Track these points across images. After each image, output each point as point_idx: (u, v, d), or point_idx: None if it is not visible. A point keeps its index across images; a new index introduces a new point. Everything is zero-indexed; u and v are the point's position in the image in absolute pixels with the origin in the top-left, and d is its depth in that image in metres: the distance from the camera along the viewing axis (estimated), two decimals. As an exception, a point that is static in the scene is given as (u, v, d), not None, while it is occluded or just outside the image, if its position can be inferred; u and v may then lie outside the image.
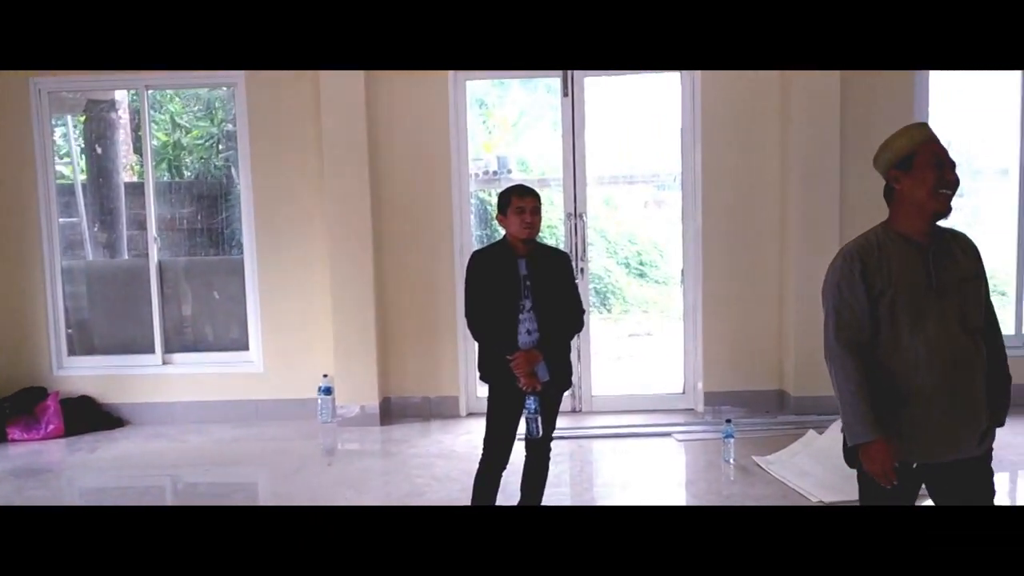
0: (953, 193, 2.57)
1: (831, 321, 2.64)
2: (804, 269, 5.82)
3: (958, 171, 2.63)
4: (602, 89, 6.44)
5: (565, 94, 6.08)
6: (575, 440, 5.62)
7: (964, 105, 6.09)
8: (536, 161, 8.83)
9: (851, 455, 2.69)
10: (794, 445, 5.08)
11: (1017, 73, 5.88)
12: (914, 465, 2.61)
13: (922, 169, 2.55)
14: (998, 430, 2.69)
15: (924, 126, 2.66)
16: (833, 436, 4.95)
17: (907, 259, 2.58)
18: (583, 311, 3.80)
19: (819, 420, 5.48)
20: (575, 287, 3.77)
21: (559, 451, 5.24)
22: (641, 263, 10.17)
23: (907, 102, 5.88)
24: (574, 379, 5.92)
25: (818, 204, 5.80)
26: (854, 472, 4.65)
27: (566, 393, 3.92)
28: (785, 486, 4.64)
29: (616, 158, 7.52)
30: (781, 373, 6.09)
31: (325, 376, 6.12)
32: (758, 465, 4.97)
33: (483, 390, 3.87)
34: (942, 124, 5.85)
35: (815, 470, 4.72)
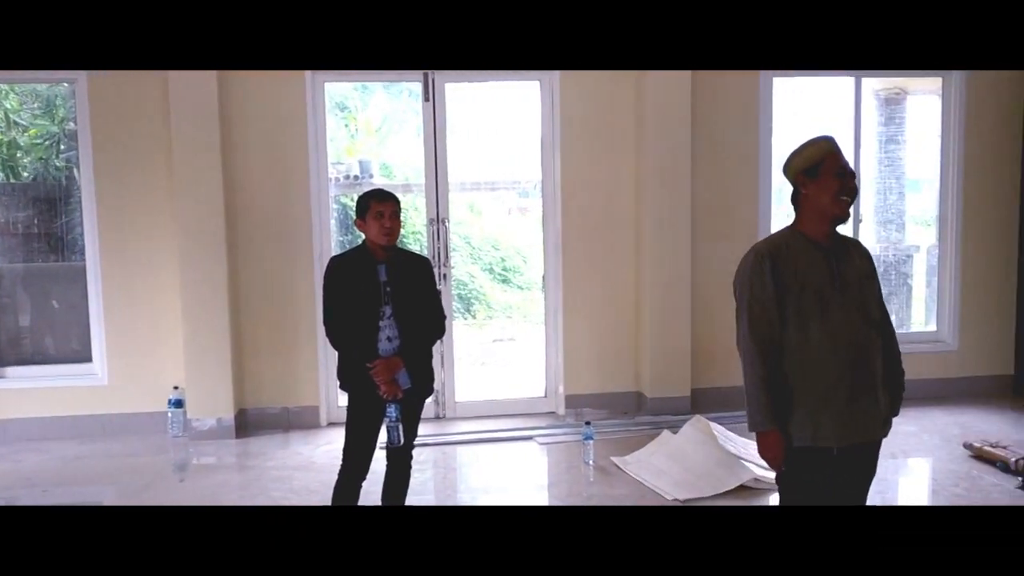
0: (852, 201, 2.81)
1: (744, 316, 2.82)
2: (658, 273, 6.03)
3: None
4: (464, 95, 6.46)
5: (426, 99, 6.05)
6: (438, 447, 5.59)
7: (802, 110, 6.45)
8: (400, 166, 8.75)
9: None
10: (650, 445, 5.23)
11: (850, 79, 6.28)
12: (834, 452, 2.79)
13: (827, 177, 2.77)
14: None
15: (830, 139, 2.87)
16: (686, 436, 5.14)
17: (812, 258, 2.79)
18: (444, 317, 3.78)
19: (674, 420, 5.67)
20: (437, 293, 3.75)
21: (422, 458, 5.22)
22: (505, 269, 10.26)
23: (752, 107, 6.17)
24: (437, 385, 5.92)
25: (671, 208, 6.00)
26: (708, 470, 4.84)
27: (429, 400, 3.90)
28: (642, 485, 4.77)
29: (479, 164, 7.55)
30: (638, 375, 6.26)
31: (176, 388, 5.84)
32: (616, 465, 5.09)
33: (344, 399, 3.79)
34: (783, 128, 6.21)
35: (670, 469, 4.88)
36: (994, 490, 4.64)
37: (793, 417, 2.79)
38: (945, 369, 6.46)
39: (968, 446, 5.21)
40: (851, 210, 2.87)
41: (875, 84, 6.47)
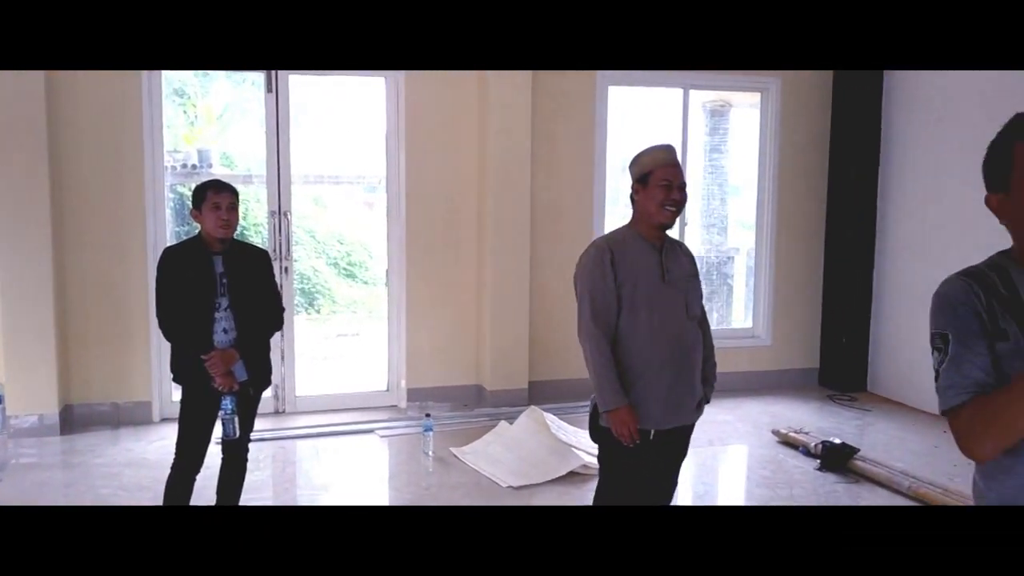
0: (677, 211, 3.06)
1: (586, 305, 3.04)
2: (499, 270, 6.22)
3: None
4: (308, 86, 6.42)
5: (269, 90, 5.99)
6: (277, 442, 5.56)
7: (637, 118, 6.82)
8: (241, 156, 8.55)
9: (596, 432, 3.11)
10: (488, 435, 5.41)
11: (679, 91, 6.69)
12: (651, 435, 3.04)
13: (655, 187, 3.02)
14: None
15: (669, 150, 3.10)
16: (522, 426, 5.36)
17: (645, 256, 3.05)
18: (283, 310, 3.80)
19: (512, 412, 5.87)
20: (275, 285, 3.76)
21: (262, 454, 5.18)
22: (350, 263, 10.21)
23: (589, 112, 6.46)
24: (277, 380, 5.89)
25: (511, 206, 6.21)
26: (541, 458, 5.04)
27: (270, 395, 3.90)
28: (479, 474, 4.94)
29: (323, 157, 7.50)
30: (478, 369, 6.44)
31: (-7, 384, 5.53)
32: (455, 456, 5.24)
33: (178, 393, 3.74)
34: (620, 134, 6.54)
35: (506, 458, 5.07)
36: (796, 471, 5.10)
37: None
38: (759, 362, 7.01)
39: (776, 432, 5.69)
40: (681, 214, 3.15)
41: (702, 96, 6.91)
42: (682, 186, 3.09)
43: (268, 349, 3.76)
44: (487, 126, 6.17)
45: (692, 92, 6.75)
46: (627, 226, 3.16)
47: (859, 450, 5.10)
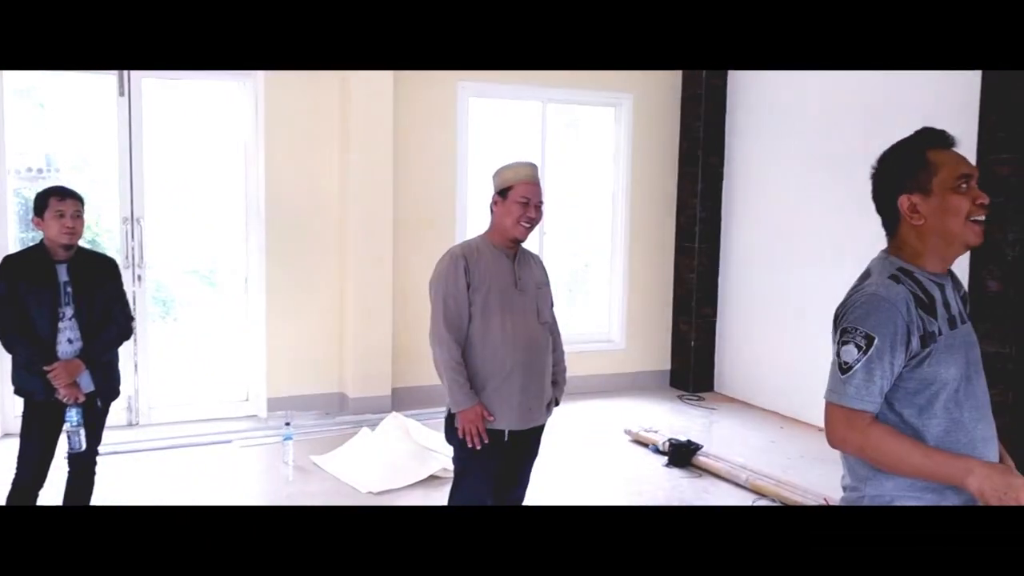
0: (532, 227, 3.21)
1: (439, 310, 3.16)
2: (362, 278, 6.26)
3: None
4: (163, 91, 6.26)
5: (121, 94, 5.83)
6: (129, 455, 5.40)
7: (499, 129, 6.99)
8: (92, 160, 8.24)
9: (451, 434, 3.21)
10: (349, 442, 5.44)
11: (539, 103, 6.92)
12: (505, 436, 3.19)
13: (513, 202, 3.16)
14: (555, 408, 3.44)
15: (532, 167, 3.25)
16: (383, 432, 5.42)
17: (499, 264, 3.19)
18: (132, 319, 3.73)
19: (374, 418, 5.92)
20: (123, 294, 3.69)
21: (112, 467, 5.02)
22: (210, 271, 9.95)
23: (451, 120, 6.60)
24: (130, 391, 5.73)
25: (373, 212, 6.26)
26: (402, 463, 5.11)
27: (122, 406, 3.82)
28: (339, 481, 4.97)
29: (179, 162, 7.32)
30: (341, 376, 6.45)
31: None
32: (316, 464, 5.24)
33: (20, 406, 3.62)
34: (477, 139, 6.69)
35: (367, 464, 5.12)
36: (645, 467, 5.38)
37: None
38: (615, 366, 7.31)
39: (628, 432, 5.97)
40: (539, 225, 3.31)
41: (560, 109, 7.15)
42: (539, 204, 3.23)
43: (117, 359, 3.68)
44: (349, 133, 6.20)
45: (550, 105, 7.00)
46: (482, 235, 3.30)
47: (702, 446, 5.42)
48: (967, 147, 4.95)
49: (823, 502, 4.56)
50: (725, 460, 5.30)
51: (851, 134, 6.02)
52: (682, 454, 5.37)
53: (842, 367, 1.88)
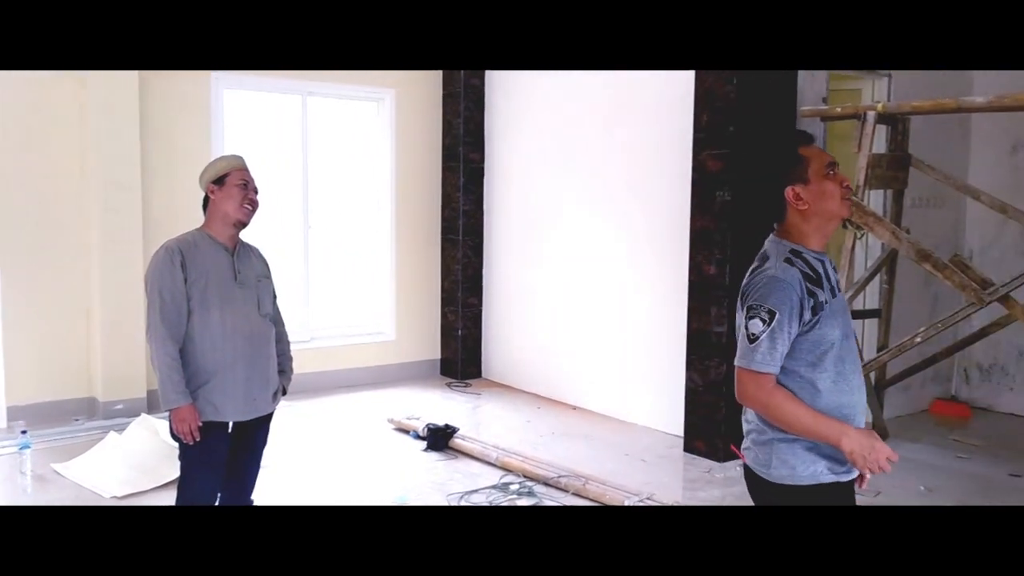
0: (253, 210, 3.28)
1: (155, 305, 3.12)
2: (110, 278, 6.00)
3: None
4: None
5: None
6: None
7: (254, 121, 6.90)
8: None
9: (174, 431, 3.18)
10: (95, 447, 5.22)
11: (299, 97, 6.90)
12: (229, 428, 3.22)
13: (232, 186, 3.22)
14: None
15: (242, 158, 3.32)
16: (131, 435, 5.25)
17: (216, 257, 3.19)
18: None
19: (124, 422, 5.70)
20: None
21: None
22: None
23: (205, 114, 6.45)
24: None
25: (120, 212, 6.02)
26: (151, 465, 4.99)
27: None
28: (81, 488, 4.77)
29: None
30: (91, 381, 6.15)
31: None
32: (57, 472, 5.00)
33: None
34: (235, 133, 6.59)
35: (113, 468, 4.94)
36: (404, 452, 5.53)
37: (197, 395, 3.17)
38: (385, 357, 7.42)
39: (391, 420, 6.11)
40: (253, 215, 3.34)
41: (321, 102, 7.15)
42: (257, 190, 3.31)
43: None
44: (89, 130, 5.92)
45: (310, 99, 6.99)
46: (199, 229, 3.30)
47: (458, 429, 5.65)
48: (685, 143, 5.49)
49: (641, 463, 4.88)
50: (479, 441, 5.56)
51: (590, 132, 6.46)
52: (439, 438, 5.57)
53: (750, 337, 2.21)
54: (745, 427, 2.40)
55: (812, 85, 5.61)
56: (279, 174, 6.95)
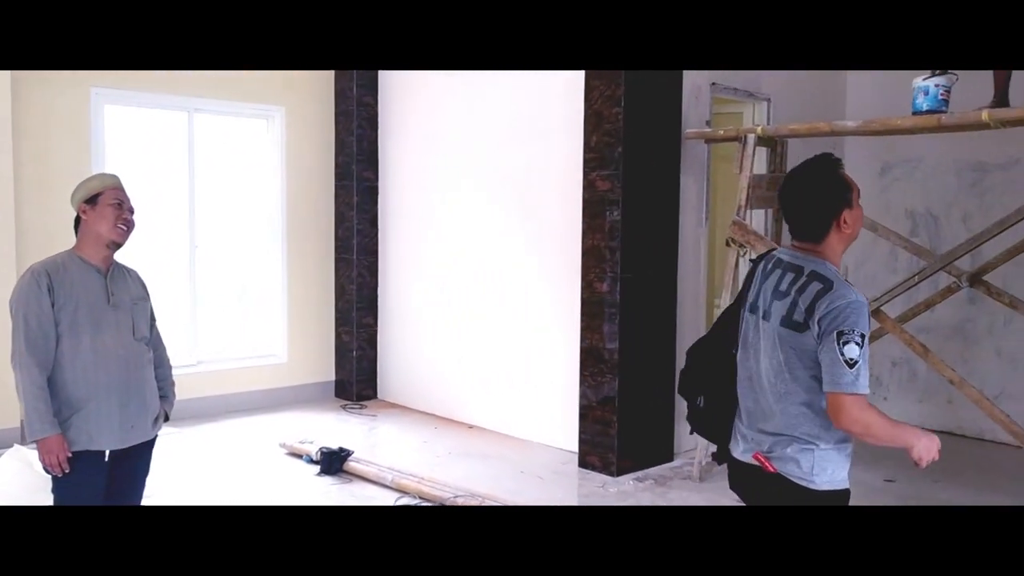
0: (128, 230, 3.14)
1: (20, 331, 2.95)
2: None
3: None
4: None
5: None
6: None
7: (138, 139, 6.68)
8: None
9: None
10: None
11: (185, 114, 6.71)
12: (106, 456, 3.08)
13: (105, 206, 3.07)
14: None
15: (116, 177, 3.18)
16: (2, 467, 4.96)
17: (88, 279, 3.05)
18: None
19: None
20: None
21: None
22: None
23: (84, 130, 6.20)
24: None
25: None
26: (21, 498, 4.71)
27: None
28: (-56, 526, 4.47)
29: None
30: (-43, 411, 5.80)
31: None
32: (-83, 510, 4.67)
33: None
34: (117, 154, 6.36)
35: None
36: (297, 478, 5.41)
37: (70, 423, 3.01)
38: (278, 380, 7.26)
39: (283, 445, 5.97)
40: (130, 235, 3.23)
41: (208, 119, 6.97)
42: (132, 209, 3.19)
43: None
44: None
45: (196, 115, 6.81)
46: (69, 251, 3.15)
47: (353, 452, 5.57)
48: (577, 163, 5.59)
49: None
50: (375, 463, 5.48)
51: (486, 151, 6.51)
52: (333, 461, 5.47)
53: (849, 363, 2.25)
54: (767, 440, 2.45)
55: (696, 108, 5.82)
56: (164, 193, 6.73)
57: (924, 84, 4.59)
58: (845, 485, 2.41)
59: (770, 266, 2.52)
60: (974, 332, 6.38)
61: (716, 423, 2.65)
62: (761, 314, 2.48)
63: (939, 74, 4.56)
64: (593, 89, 5.40)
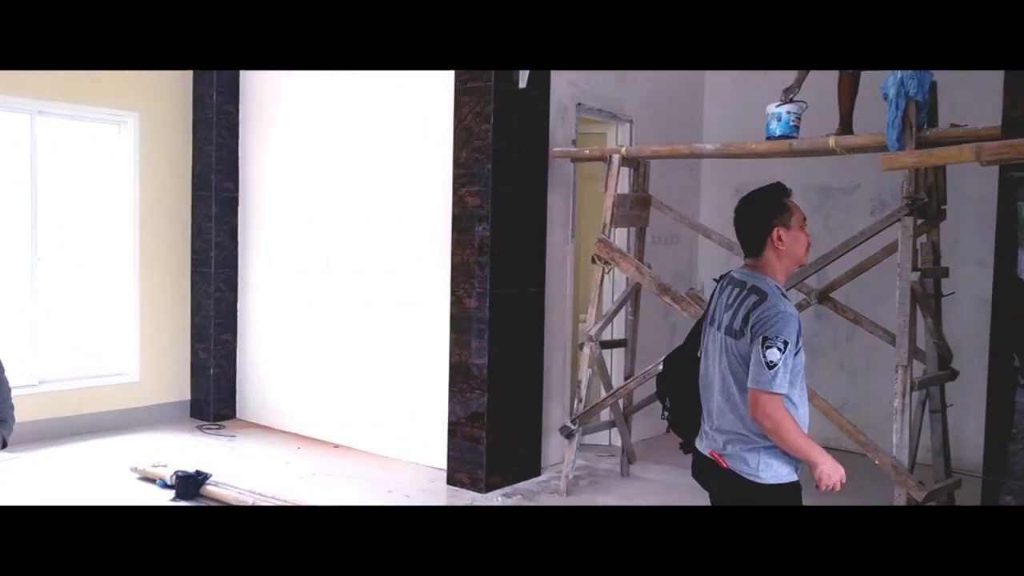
0: None
1: None
2: None
3: None
4: None
5: None
6: None
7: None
8: None
9: None
10: None
11: (27, 117, 6.27)
12: None
13: None
14: None
15: None
16: None
17: None
18: None
19: None
20: None
21: None
22: None
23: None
24: None
25: None
26: None
27: None
28: None
29: None
30: None
31: None
32: None
33: None
34: None
35: None
36: (150, 503, 5.12)
37: None
38: (128, 400, 6.86)
39: (135, 469, 5.64)
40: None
41: (52, 123, 6.54)
42: None
43: None
44: None
45: (39, 119, 6.39)
46: None
47: (211, 475, 5.32)
48: (447, 179, 5.57)
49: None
50: (234, 487, 5.26)
51: (353, 164, 6.41)
52: (189, 485, 5.21)
53: (768, 364, 2.54)
54: (721, 438, 2.73)
55: (563, 128, 5.92)
56: (3, 201, 6.27)
57: (777, 111, 4.84)
58: (792, 478, 2.69)
59: (725, 283, 2.85)
60: (820, 346, 6.75)
61: (683, 421, 2.97)
62: (716, 325, 2.79)
63: (790, 101, 4.81)
64: (463, 105, 5.41)
